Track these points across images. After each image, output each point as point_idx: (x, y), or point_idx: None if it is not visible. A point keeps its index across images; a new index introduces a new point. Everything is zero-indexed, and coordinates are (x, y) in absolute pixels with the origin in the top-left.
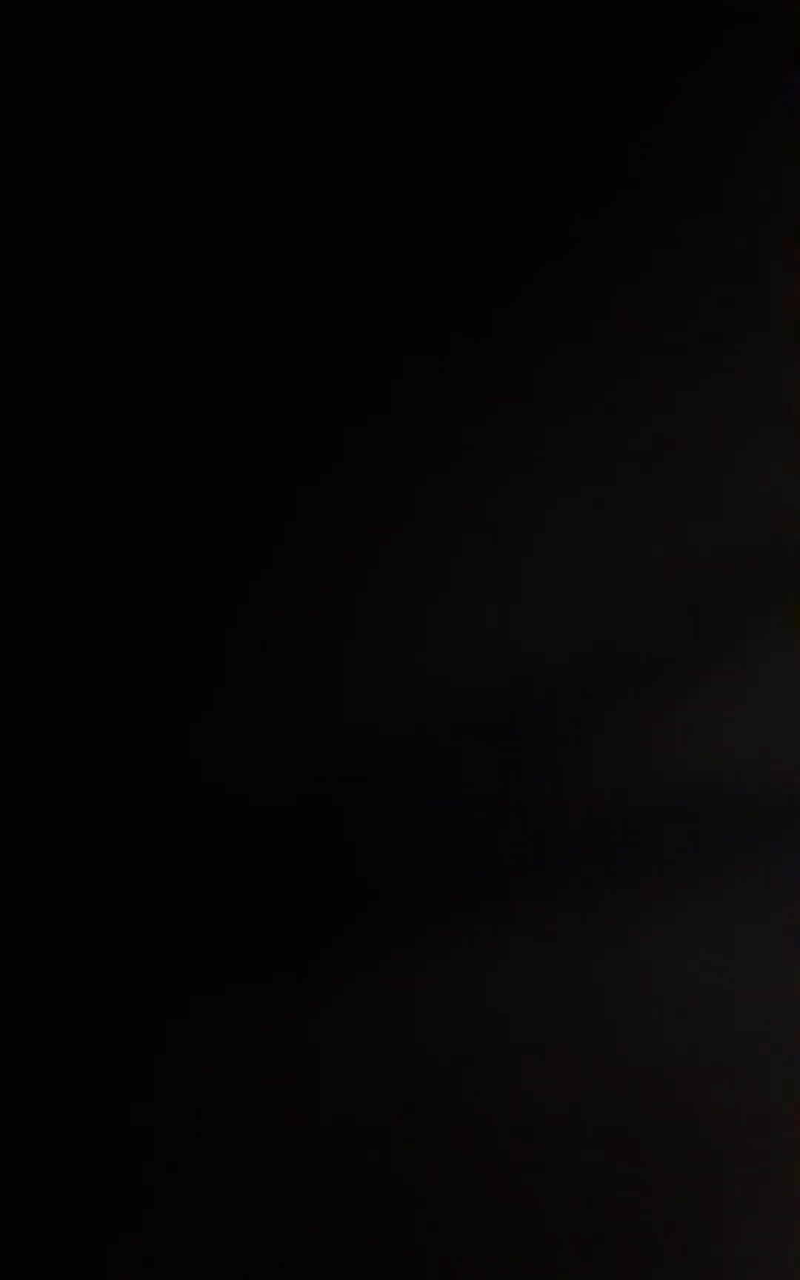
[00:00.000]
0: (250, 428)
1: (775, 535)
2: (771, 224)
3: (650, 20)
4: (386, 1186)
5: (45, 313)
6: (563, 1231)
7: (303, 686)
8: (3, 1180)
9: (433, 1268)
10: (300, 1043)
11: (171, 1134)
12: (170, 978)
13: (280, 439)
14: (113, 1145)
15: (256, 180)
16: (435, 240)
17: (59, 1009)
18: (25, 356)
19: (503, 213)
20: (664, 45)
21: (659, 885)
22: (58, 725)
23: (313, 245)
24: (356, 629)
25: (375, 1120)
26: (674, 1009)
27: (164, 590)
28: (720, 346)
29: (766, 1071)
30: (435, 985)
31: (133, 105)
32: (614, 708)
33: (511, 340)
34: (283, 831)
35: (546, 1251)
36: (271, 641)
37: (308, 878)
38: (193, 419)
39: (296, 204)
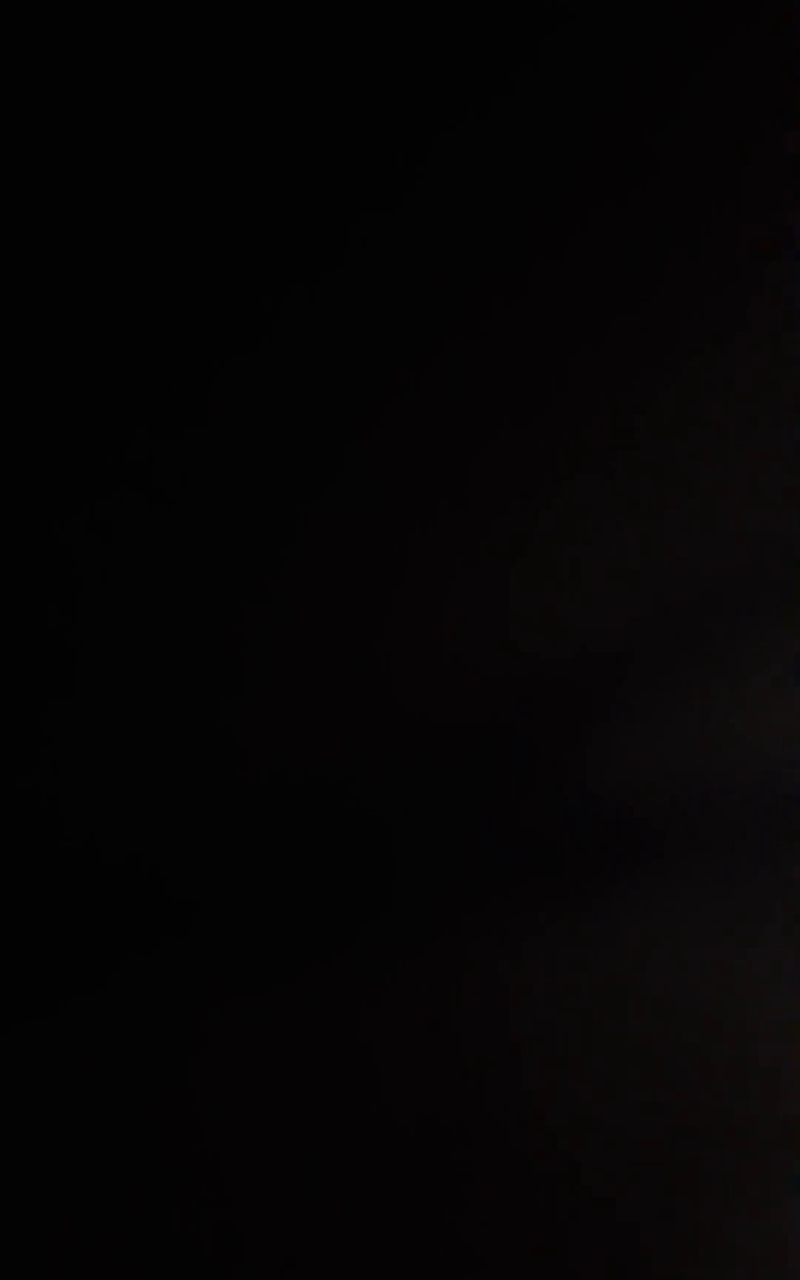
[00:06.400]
0: (257, 431)
1: (776, 536)
2: (775, 224)
3: (653, 20)
4: (386, 1183)
5: (48, 330)
6: (565, 1228)
7: (305, 690)
8: (13, 1173)
9: (436, 1264)
10: (301, 1039)
11: (187, 1127)
12: (171, 977)
13: (284, 442)
14: (129, 1140)
15: (259, 188)
16: (435, 242)
17: (67, 1003)
18: (34, 372)
19: (503, 215)
20: (667, 46)
21: (659, 882)
22: (75, 727)
23: (312, 246)
24: (360, 632)
25: (376, 1116)
26: (674, 1005)
27: (172, 595)
28: (723, 347)
29: (768, 1067)
30: (436, 983)
31: (133, 110)
32: (615, 707)
33: (512, 339)
34: (284, 832)
35: (547, 1249)
36: (278, 643)
37: (309, 878)
38: (201, 419)
39: (298, 205)
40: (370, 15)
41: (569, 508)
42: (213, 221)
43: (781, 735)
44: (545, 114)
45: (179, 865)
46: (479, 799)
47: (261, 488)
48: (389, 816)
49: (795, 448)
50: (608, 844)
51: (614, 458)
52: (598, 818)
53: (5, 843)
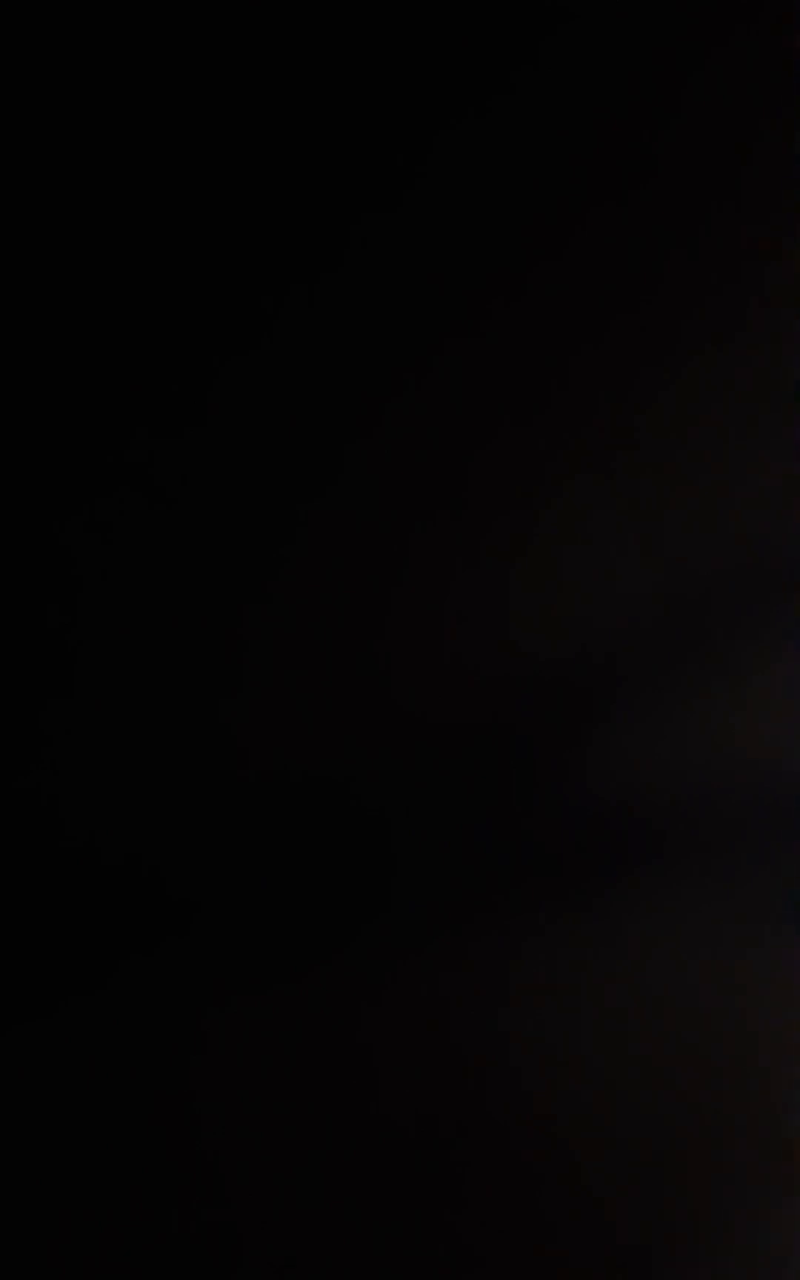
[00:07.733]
0: (257, 431)
1: (776, 536)
2: (775, 224)
3: (653, 20)
4: (386, 1183)
5: (48, 330)
6: (565, 1228)
7: (305, 690)
8: (13, 1173)
9: (436, 1264)
10: (301, 1039)
11: (187, 1127)
12: (171, 977)
13: (284, 442)
14: (129, 1140)
15: (259, 187)
16: (435, 242)
17: (67, 1003)
18: (34, 372)
19: (503, 215)
20: (667, 45)
21: (659, 882)
22: (75, 727)
23: (312, 246)
24: (360, 632)
25: (376, 1116)
26: (675, 1005)
27: (172, 595)
28: (723, 347)
29: (768, 1067)
30: (436, 983)
31: (133, 110)
32: (615, 707)
33: (512, 339)
34: (284, 832)
35: (547, 1249)
36: (278, 643)
37: (309, 878)
38: (201, 419)
39: (298, 205)
40: (370, 15)
41: (569, 508)
42: (213, 221)
43: (781, 735)
44: (545, 114)
45: (179, 865)
46: (479, 799)
47: (261, 488)
48: (389, 816)
49: (795, 448)
50: (608, 844)
51: (614, 458)
52: (598, 818)
53: (5, 843)
